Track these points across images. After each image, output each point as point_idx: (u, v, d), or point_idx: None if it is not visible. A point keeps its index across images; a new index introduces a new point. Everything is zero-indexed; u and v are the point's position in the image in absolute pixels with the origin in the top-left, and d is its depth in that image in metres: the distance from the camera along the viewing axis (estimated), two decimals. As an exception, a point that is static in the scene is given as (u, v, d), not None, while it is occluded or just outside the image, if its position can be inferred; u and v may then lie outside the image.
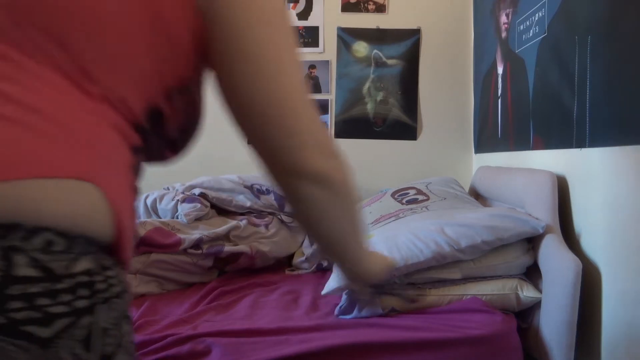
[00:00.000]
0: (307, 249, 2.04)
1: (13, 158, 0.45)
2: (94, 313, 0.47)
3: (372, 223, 1.74)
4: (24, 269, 0.43)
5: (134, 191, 0.59)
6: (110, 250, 0.51)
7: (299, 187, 0.65)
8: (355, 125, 2.56)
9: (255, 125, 0.62)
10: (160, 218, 2.04)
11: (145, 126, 0.60)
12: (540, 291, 1.30)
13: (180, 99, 0.63)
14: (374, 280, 0.87)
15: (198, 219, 2.00)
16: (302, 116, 0.62)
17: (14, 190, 0.44)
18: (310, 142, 0.63)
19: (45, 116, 0.48)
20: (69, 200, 0.47)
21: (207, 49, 0.61)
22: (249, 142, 0.65)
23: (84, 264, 0.47)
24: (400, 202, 1.87)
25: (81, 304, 0.46)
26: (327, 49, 2.56)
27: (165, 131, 0.64)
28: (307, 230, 0.73)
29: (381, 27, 2.53)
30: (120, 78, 0.55)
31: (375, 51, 2.54)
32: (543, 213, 1.34)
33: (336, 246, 0.74)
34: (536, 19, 1.58)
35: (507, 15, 1.89)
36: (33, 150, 0.46)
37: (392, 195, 1.97)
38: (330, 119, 2.57)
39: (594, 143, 1.23)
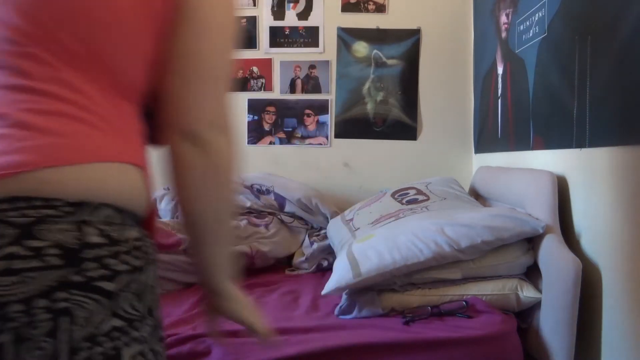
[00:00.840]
0: (307, 248, 2.04)
1: (80, 146, 0.56)
2: (145, 271, 0.59)
3: (372, 223, 1.74)
4: (93, 237, 0.54)
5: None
6: (141, 224, 0.63)
7: (174, 142, 0.68)
8: (355, 125, 2.56)
9: (172, 79, 0.67)
10: (160, 218, 2.04)
11: (147, 114, 0.70)
12: (540, 291, 1.30)
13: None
14: (230, 311, 0.79)
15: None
16: (214, 88, 0.70)
17: (83, 173, 0.56)
18: (205, 109, 0.69)
19: (94, 113, 0.59)
20: (125, 182, 0.59)
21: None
22: (159, 94, 0.69)
23: (133, 233, 0.59)
24: (400, 202, 1.87)
25: (137, 262, 0.57)
26: (327, 49, 2.56)
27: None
28: (179, 198, 0.72)
29: (381, 27, 2.53)
30: (136, 70, 0.64)
31: (375, 51, 2.53)
32: (543, 213, 1.34)
33: (200, 229, 0.73)
34: (536, 19, 1.58)
35: (507, 15, 1.89)
36: (95, 140, 0.58)
37: (392, 195, 1.97)
38: (330, 119, 2.57)
39: (594, 143, 1.23)
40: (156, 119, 0.70)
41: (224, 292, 0.78)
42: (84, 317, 0.52)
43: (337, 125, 2.57)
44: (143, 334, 0.58)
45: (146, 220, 0.64)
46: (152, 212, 0.65)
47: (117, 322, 0.55)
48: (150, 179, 0.64)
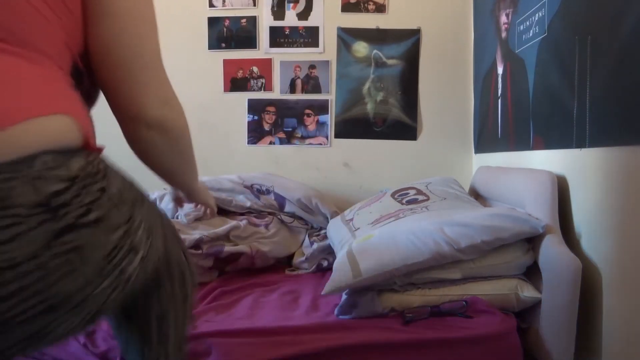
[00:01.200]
0: (307, 248, 2.04)
1: (7, 112, 0.59)
2: (109, 183, 0.65)
3: (372, 223, 1.74)
4: (53, 185, 0.58)
5: (89, 115, 0.76)
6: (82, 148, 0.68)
7: (139, 132, 0.79)
8: (355, 125, 2.56)
9: (113, 72, 0.75)
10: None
11: (73, 78, 0.75)
12: (540, 291, 1.30)
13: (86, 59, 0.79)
14: (199, 199, 1.09)
15: (198, 219, 2.00)
16: (152, 70, 0.77)
17: (18, 132, 0.58)
18: (152, 92, 0.77)
19: (13, 79, 0.62)
20: (53, 129, 0.63)
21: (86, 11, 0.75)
22: (105, 91, 0.78)
23: (77, 163, 0.62)
24: (400, 202, 1.87)
25: (99, 184, 0.63)
26: (327, 49, 2.56)
27: (84, 84, 0.79)
28: (148, 165, 0.86)
29: (381, 27, 2.53)
30: (49, 45, 0.69)
31: (375, 51, 2.54)
32: (543, 213, 1.34)
33: (173, 178, 0.94)
34: (536, 19, 1.58)
35: (507, 15, 1.89)
36: (19, 104, 0.61)
37: (392, 195, 1.97)
38: (330, 119, 2.57)
39: (594, 143, 1.23)
40: (112, 109, 0.79)
41: (194, 189, 1.05)
42: (94, 244, 0.59)
43: (337, 125, 2.57)
44: (138, 218, 0.67)
45: (84, 143, 0.68)
46: (89, 138, 0.69)
47: (119, 233, 0.63)
48: (82, 120, 0.68)
